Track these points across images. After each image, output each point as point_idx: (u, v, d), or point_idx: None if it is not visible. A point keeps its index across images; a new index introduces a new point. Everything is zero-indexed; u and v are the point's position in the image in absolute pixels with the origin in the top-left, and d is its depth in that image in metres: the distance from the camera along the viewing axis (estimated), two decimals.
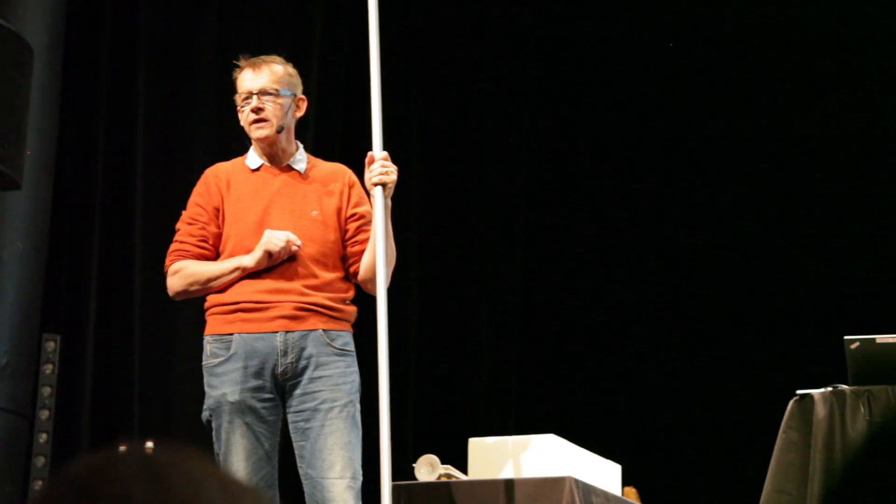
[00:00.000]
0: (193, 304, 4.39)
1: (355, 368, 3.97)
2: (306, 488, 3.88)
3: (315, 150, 4.41)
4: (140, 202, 6.25)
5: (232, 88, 4.16)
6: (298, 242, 3.93)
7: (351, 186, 4.07)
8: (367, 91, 4.12)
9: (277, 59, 4.10)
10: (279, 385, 3.91)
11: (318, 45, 6.88)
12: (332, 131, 6.81)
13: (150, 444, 1.21)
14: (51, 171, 5.67)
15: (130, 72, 6.34)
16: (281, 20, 6.80)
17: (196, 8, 6.59)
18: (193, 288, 4.02)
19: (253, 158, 4.09)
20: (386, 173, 3.94)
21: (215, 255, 4.04)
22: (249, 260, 3.92)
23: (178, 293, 4.06)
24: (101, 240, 6.17)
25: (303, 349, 3.90)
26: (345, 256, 4.04)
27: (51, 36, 5.61)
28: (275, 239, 3.90)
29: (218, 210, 4.04)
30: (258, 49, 4.21)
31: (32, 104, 4.49)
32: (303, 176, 4.07)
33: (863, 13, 7.20)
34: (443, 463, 4.65)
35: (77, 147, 6.20)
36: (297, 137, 4.17)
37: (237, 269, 3.94)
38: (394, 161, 4.01)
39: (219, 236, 4.04)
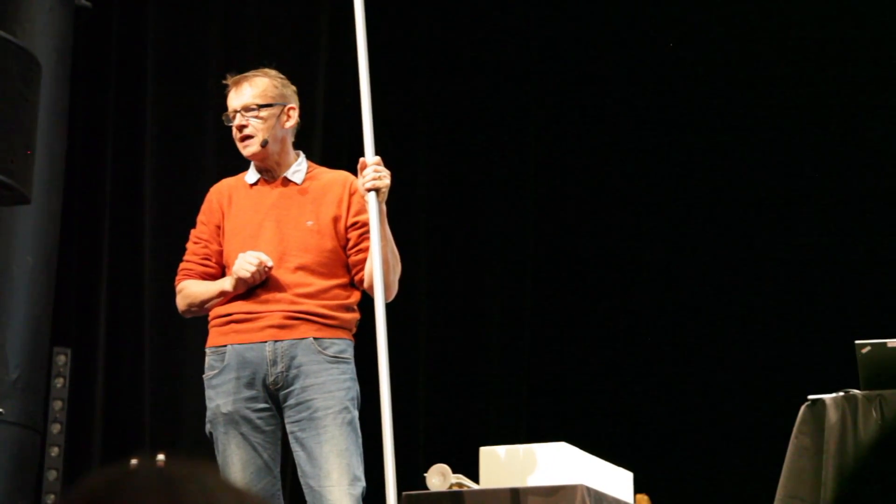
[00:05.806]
0: (202, 317, 4.40)
1: (351, 376, 3.92)
2: (308, 498, 3.87)
3: (323, 160, 4.40)
4: (149, 215, 6.27)
5: None
6: (270, 263, 3.90)
7: (352, 194, 4.02)
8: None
9: (262, 71, 4.08)
10: (272, 395, 3.90)
11: (326, 56, 6.89)
12: (339, 141, 6.82)
13: (161, 458, 1.21)
14: (60, 186, 5.68)
15: (138, 86, 6.36)
16: (288, 31, 6.82)
17: (203, 22, 6.61)
18: (193, 308, 4.06)
19: (251, 174, 4.11)
20: (379, 178, 3.88)
21: (221, 272, 4.05)
22: (228, 285, 3.95)
23: (183, 312, 4.11)
24: (111, 253, 6.19)
25: (293, 358, 3.88)
26: (349, 265, 4.03)
27: (59, 51, 5.63)
28: (245, 264, 3.88)
29: (219, 227, 4.06)
30: (266, 62, 4.20)
31: (41, 119, 4.50)
32: (300, 186, 4.05)
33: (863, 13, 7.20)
34: (454, 472, 4.65)
35: (85, 161, 6.22)
36: (304, 149, 4.17)
37: (221, 293, 3.97)
38: (400, 165, 3.99)
39: (221, 253, 4.06)
